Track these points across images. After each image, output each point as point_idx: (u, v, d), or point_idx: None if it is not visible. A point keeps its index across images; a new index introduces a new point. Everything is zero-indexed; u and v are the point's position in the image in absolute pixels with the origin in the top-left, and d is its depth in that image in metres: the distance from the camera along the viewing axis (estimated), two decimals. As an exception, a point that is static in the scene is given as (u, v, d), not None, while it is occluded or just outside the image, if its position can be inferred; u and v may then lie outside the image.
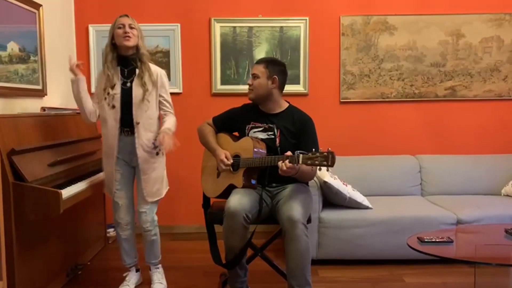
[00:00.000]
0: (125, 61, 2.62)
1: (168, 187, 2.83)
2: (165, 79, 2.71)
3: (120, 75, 2.62)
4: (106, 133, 2.65)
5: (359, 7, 3.87)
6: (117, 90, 2.60)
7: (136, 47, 2.60)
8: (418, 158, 3.80)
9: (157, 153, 2.69)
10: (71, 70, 2.62)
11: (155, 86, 2.64)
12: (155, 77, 2.65)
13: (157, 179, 2.71)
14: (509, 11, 3.87)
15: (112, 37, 2.60)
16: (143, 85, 2.60)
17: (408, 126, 3.97)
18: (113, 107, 2.59)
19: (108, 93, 2.59)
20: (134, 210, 2.78)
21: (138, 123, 2.60)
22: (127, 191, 2.74)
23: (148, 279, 2.91)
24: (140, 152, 2.63)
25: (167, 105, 2.71)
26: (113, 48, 2.62)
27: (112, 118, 2.60)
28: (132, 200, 2.77)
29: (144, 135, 2.62)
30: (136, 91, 2.60)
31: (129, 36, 2.55)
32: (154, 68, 2.68)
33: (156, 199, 2.72)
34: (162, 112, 2.71)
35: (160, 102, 2.68)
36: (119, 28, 2.57)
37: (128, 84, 2.61)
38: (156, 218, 2.77)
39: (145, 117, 2.62)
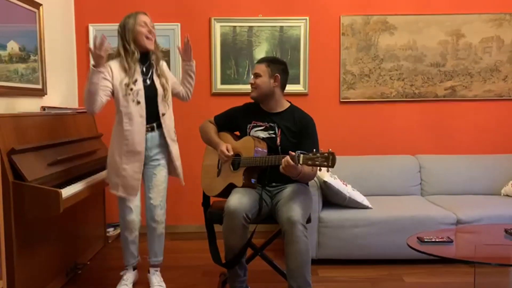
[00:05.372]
0: (142, 57, 2.64)
1: None
2: (168, 70, 2.84)
3: (139, 71, 2.62)
4: (131, 130, 2.58)
5: (359, 7, 3.87)
6: (140, 85, 2.59)
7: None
8: (418, 158, 3.80)
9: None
10: (99, 53, 2.32)
11: (168, 83, 2.73)
12: (166, 73, 2.74)
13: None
14: (509, 11, 3.87)
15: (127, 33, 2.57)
16: (162, 84, 2.67)
17: (408, 126, 3.97)
18: (138, 103, 2.57)
19: (132, 89, 2.55)
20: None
21: (164, 114, 2.67)
22: (139, 193, 2.73)
23: (142, 279, 2.90)
24: (170, 141, 2.71)
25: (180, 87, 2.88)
26: (130, 45, 2.58)
27: (138, 114, 2.58)
28: (140, 200, 2.77)
29: (169, 125, 2.72)
30: (159, 89, 2.66)
31: (152, 39, 2.61)
32: (164, 66, 2.78)
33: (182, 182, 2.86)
34: (182, 86, 2.85)
35: (174, 87, 2.81)
36: (142, 26, 2.57)
37: (148, 81, 2.64)
38: (165, 213, 2.83)
39: (168, 107, 2.72)
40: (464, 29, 3.87)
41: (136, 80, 2.57)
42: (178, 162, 2.79)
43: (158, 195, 2.74)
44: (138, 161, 2.62)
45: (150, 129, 2.66)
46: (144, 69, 2.64)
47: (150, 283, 2.81)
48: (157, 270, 2.86)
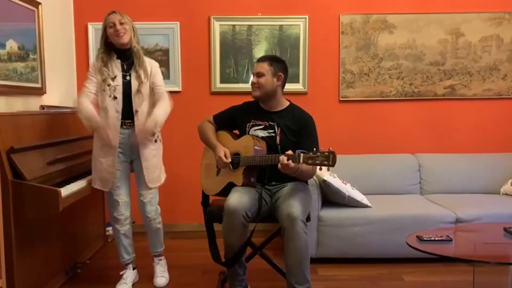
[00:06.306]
0: (123, 54, 2.67)
1: (165, 175, 2.88)
2: (157, 69, 2.76)
3: (120, 68, 2.65)
4: (106, 124, 2.62)
5: (358, 5, 3.87)
6: (119, 81, 2.63)
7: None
8: (417, 156, 3.80)
9: (156, 140, 2.76)
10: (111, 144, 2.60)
11: (148, 78, 2.69)
12: (148, 69, 2.70)
13: (157, 166, 2.78)
14: (508, 10, 3.87)
15: (106, 37, 2.64)
16: (138, 77, 2.65)
17: (407, 124, 3.97)
18: (115, 98, 2.62)
19: (109, 84, 2.61)
20: (130, 205, 2.82)
21: (137, 111, 2.65)
22: (125, 188, 2.77)
23: (146, 275, 2.94)
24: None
25: (159, 88, 2.72)
26: (108, 47, 2.65)
27: (114, 109, 2.62)
28: (129, 196, 2.81)
29: (143, 123, 2.67)
30: (134, 83, 2.65)
31: (121, 34, 2.60)
32: (147, 60, 2.74)
33: (157, 185, 2.79)
34: (155, 97, 2.71)
35: (152, 89, 2.72)
36: (110, 27, 2.61)
37: (128, 78, 2.66)
38: (159, 208, 2.84)
39: (143, 106, 2.67)
40: (464, 28, 3.87)
41: (115, 76, 2.62)
42: (146, 162, 2.70)
43: (148, 192, 2.76)
44: (111, 155, 2.66)
45: (131, 124, 2.67)
46: (125, 66, 2.67)
47: (154, 273, 2.88)
48: (161, 259, 2.91)
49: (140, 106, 2.66)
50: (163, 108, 2.67)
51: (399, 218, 3.11)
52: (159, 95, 2.71)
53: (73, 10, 3.83)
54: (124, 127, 2.66)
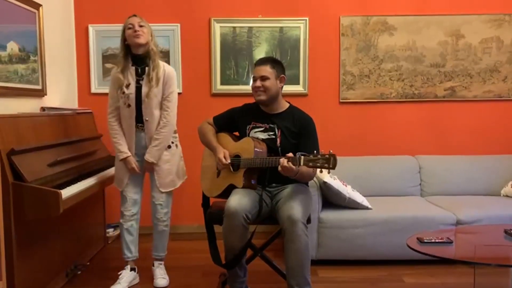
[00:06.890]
0: (138, 59, 2.71)
1: (185, 177, 2.96)
2: (169, 79, 2.74)
3: (134, 74, 2.70)
4: (124, 130, 2.76)
5: (359, 7, 3.87)
6: (132, 89, 2.68)
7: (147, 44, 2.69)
8: (418, 158, 3.81)
9: (169, 146, 2.80)
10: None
11: (159, 84, 2.70)
12: (161, 74, 2.71)
13: (170, 171, 2.82)
14: (508, 12, 3.87)
15: (125, 39, 2.68)
16: (148, 82, 2.68)
17: (408, 126, 3.97)
18: (129, 106, 2.69)
19: (124, 92, 2.67)
20: (140, 205, 2.90)
21: (147, 120, 2.72)
22: (136, 187, 2.84)
23: (147, 277, 2.95)
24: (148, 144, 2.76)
25: (166, 108, 2.74)
26: (126, 50, 2.70)
27: (128, 117, 2.71)
28: (141, 195, 2.88)
29: (153, 131, 2.73)
30: (144, 89, 2.68)
31: (139, 34, 2.64)
32: (163, 66, 2.75)
33: (169, 189, 2.84)
34: (162, 116, 2.74)
35: (162, 103, 2.75)
36: (129, 28, 2.66)
37: (141, 82, 2.70)
38: (169, 211, 2.90)
39: (154, 114, 2.72)
40: (464, 30, 3.87)
41: (129, 84, 2.68)
42: (157, 167, 2.76)
43: (159, 195, 2.82)
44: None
45: (142, 128, 2.75)
46: (139, 70, 2.71)
47: (154, 275, 2.90)
48: (161, 263, 2.94)
49: (150, 115, 2.70)
50: (162, 140, 2.72)
51: (400, 220, 3.11)
52: (163, 114, 2.73)
53: (74, 12, 3.84)
54: (138, 129, 2.74)
